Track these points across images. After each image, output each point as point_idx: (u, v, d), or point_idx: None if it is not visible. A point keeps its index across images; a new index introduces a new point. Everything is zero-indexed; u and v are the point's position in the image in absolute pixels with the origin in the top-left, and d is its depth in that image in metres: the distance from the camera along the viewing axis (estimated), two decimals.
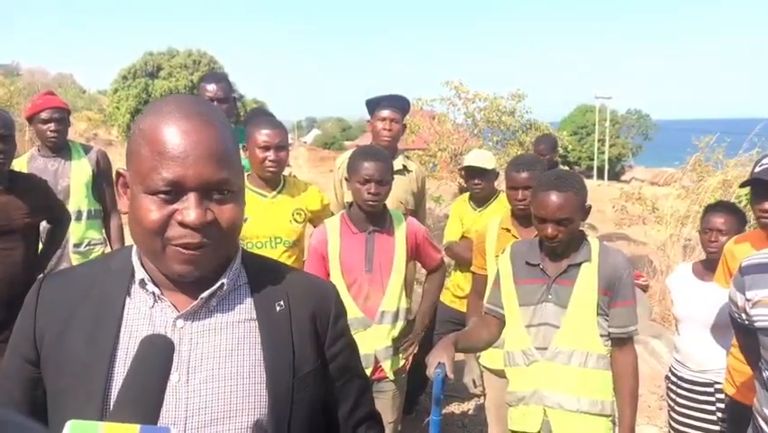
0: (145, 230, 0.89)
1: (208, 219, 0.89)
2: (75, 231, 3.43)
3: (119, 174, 0.96)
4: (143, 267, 0.97)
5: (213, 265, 0.95)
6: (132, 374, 0.68)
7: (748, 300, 1.91)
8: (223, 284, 0.96)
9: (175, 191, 0.88)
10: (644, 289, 6.79)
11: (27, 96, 16.62)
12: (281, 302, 1.02)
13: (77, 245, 3.45)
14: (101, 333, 0.94)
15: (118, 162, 1.09)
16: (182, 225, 0.88)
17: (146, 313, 0.95)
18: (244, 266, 1.03)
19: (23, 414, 0.94)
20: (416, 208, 3.47)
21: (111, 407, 0.76)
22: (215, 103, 3.27)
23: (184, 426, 0.91)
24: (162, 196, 0.88)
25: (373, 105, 3.40)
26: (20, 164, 3.38)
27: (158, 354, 0.71)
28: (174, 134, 0.88)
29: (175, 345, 0.91)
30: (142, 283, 0.96)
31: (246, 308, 0.99)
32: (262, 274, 1.04)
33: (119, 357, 0.92)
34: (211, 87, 3.33)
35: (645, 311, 6.16)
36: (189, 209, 0.87)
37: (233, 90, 3.53)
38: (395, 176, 2.70)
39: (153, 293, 0.95)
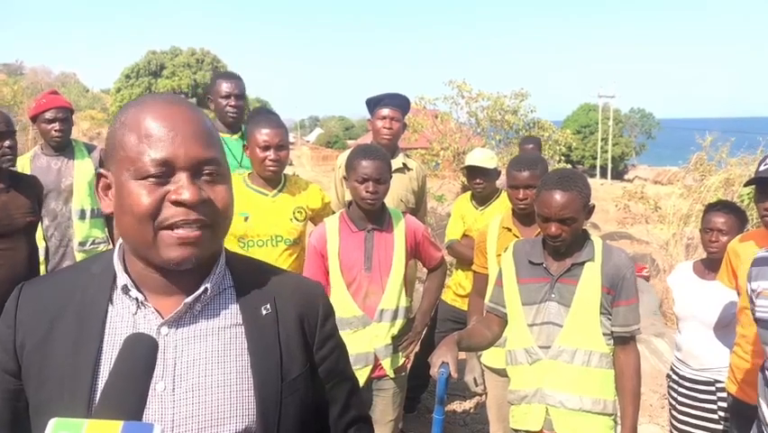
0: (137, 216, 0.86)
1: (203, 197, 0.88)
2: (79, 230, 3.46)
3: (100, 176, 0.93)
4: (126, 271, 0.94)
5: (209, 252, 0.93)
6: (116, 372, 0.68)
7: (753, 291, 1.92)
8: (206, 288, 0.94)
9: (166, 173, 0.87)
10: (646, 278, 6.84)
11: (31, 95, 16.68)
12: (268, 305, 1.00)
13: (81, 244, 3.47)
14: (84, 341, 0.91)
15: None
16: (177, 203, 0.86)
17: (129, 320, 0.93)
18: (229, 268, 1.01)
19: (5, 426, 0.94)
20: (417, 207, 3.46)
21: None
22: (233, 99, 3.26)
23: None
24: (152, 179, 0.86)
25: (373, 103, 3.39)
26: (23, 162, 3.40)
27: (141, 352, 0.70)
28: (160, 117, 0.88)
29: (159, 352, 0.91)
30: (125, 289, 0.93)
31: (232, 313, 0.97)
32: (248, 276, 1.02)
33: (103, 366, 0.90)
34: (228, 84, 3.28)
35: (654, 300, 6.14)
36: (183, 188, 0.86)
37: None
38: (395, 174, 2.70)
39: (136, 299, 0.92)
